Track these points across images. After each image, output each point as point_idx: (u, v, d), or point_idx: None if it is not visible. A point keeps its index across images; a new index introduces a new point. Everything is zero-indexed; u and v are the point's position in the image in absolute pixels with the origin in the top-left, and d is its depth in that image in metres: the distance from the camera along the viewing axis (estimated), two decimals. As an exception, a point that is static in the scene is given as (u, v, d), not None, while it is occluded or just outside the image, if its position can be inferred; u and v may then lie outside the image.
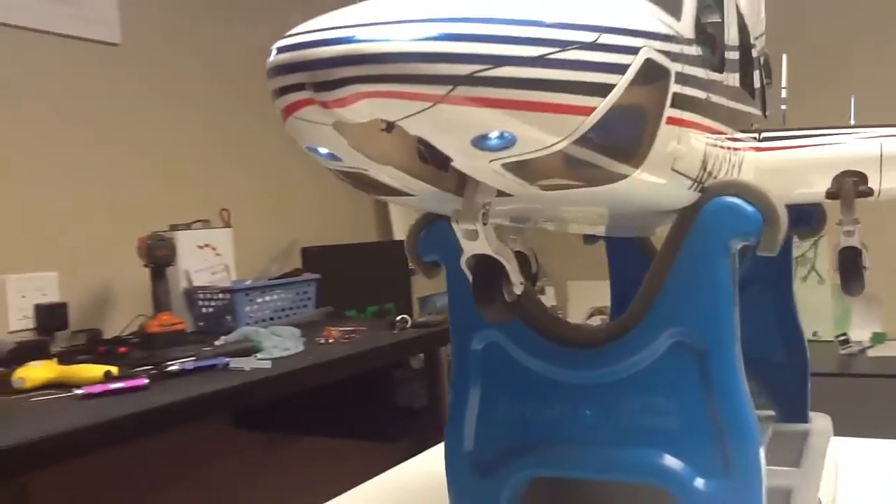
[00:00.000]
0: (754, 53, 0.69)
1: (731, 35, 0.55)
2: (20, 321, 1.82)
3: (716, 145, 0.50)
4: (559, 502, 0.60)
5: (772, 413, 0.86)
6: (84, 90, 2.02)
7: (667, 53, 0.41)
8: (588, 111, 0.36)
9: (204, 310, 2.04)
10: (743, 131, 0.63)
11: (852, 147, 0.66)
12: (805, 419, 0.84)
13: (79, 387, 1.27)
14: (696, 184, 0.48)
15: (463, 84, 0.32)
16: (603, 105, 0.36)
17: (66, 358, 1.56)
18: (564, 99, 0.35)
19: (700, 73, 0.46)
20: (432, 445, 0.88)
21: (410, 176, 0.39)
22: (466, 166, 0.37)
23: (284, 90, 0.33)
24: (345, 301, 2.49)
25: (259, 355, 1.48)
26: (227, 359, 1.43)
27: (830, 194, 0.67)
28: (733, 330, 0.50)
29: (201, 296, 2.03)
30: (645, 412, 0.52)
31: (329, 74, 0.31)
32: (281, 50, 0.32)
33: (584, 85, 0.35)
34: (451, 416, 0.57)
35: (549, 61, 0.34)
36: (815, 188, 0.68)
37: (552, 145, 0.36)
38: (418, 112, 0.32)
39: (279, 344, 1.53)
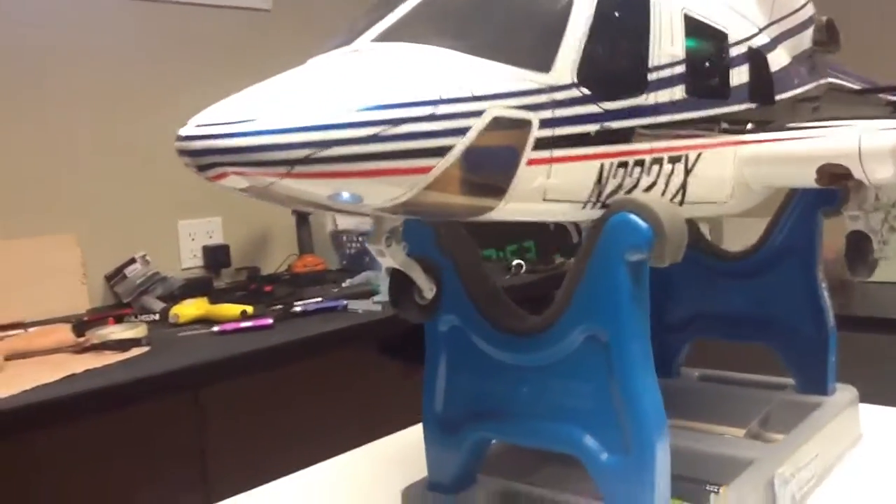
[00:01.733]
0: (739, 50, 0.71)
1: (666, 53, 0.59)
2: (191, 260, 2.13)
3: (626, 163, 0.56)
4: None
5: (786, 382, 0.89)
6: (237, 56, 2.24)
7: (526, 107, 0.48)
8: (427, 170, 0.44)
9: (347, 251, 2.25)
10: (717, 128, 0.66)
11: (832, 142, 0.68)
12: (824, 391, 0.86)
13: (219, 323, 1.51)
14: (591, 203, 0.55)
15: (299, 164, 0.42)
16: (441, 164, 0.45)
17: (221, 295, 1.82)
18: (400, 164, 0.44)
19: (587, 109, 0.52)
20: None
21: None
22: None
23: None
24: (486, 240, 2.61)
25: (375, 298, 1.65)
26: (346, 301, 1.60)
27: (821, 182, 0.70)
28: (633, 327, 0.56)
29: (344, 238, 2.24)
30: (567, 394, 0.60)
31: (200, 161, 0.42)
32: (177, 139, 0.44)
33: (421, 151, 0.44)
34: (425, 382, 0.69)
35: (382, 137, 0.43)
36: (802, 179, 0.71)
37: (395, 199, 0.45)
38: (271, 184, 0.43)
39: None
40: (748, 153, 0.71)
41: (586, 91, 0.52)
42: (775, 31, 0.81)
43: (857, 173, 0.67)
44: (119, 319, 1.60)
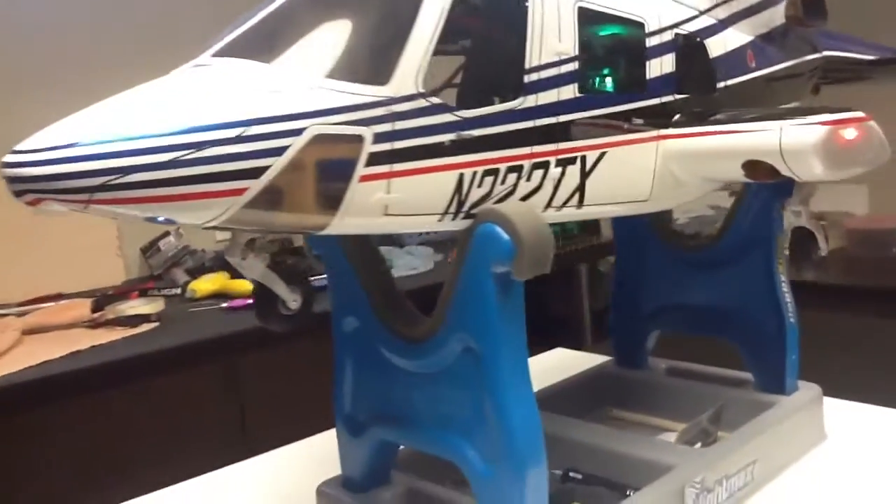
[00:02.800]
0: (662, 39, 0.67)
1: (550, 51, 0.57)
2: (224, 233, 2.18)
3: (496, 171, 0.54)
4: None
5: (750, 378, 0.85)
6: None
7: (356, 122, 0.47)
8: (241, 192, 0.44)
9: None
10: (628, 124, 0.63)
11: (753, 138, 0.64)
12: (782, 390, 0.83)
13: (232, 299, 1.55)
14: (452, 214, 0.53)
15: (98, 191, 0.42)
16: (255, 186, 0.44)
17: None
18: (208, 188, 0.43)
19: (439, 119, 0.50)
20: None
21: None
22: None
23: None
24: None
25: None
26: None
27: (751, 177, 0.66)
28: (503, 340, 0.55)
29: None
30: (451, 402, 0.59)
31: (14, 188, 0.43)
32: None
33: (230, 173, 0.44)
34: (335, 381, 0.69)
35: (183, 162, 0.43)
36: (732, 174, 0.67)
37: (210, 220, 0.45)
38: (82, 210, 0.43)
39: (409, 263, 1.70)
40: (672, 148, 0.67)
41: (437, 100, 0.50)
42: (723, 11, 0.76)
43: (784, 170, 0.63)
44: (143, 293, 1.67)
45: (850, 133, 0.62)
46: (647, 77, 0.66)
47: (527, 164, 0.56)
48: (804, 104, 0.99)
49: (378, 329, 0.64)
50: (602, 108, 0.61)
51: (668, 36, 0.68)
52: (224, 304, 1.52)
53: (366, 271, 0.65)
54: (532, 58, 0.56)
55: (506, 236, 0.52)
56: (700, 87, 0.72)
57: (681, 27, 0.69)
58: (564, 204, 0.60)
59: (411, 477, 0.70)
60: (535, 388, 0.90)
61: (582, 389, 0.93)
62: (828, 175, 0.65)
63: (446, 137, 0.51)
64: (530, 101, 0.56)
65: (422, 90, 0.49)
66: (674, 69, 0.68)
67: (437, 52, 0.50)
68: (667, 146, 0.67)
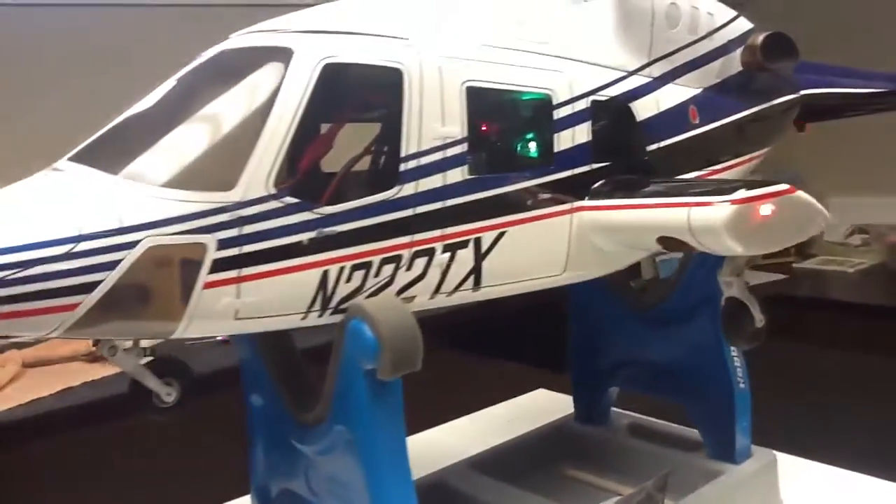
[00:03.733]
0: (575, 108, 0.64)
1: (432, 136, 0.55)
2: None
3: (368, 264, 0.53)
4: None
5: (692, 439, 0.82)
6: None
7: (198, 230, 0.46)
8: (73, 307, 0.44)
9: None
10: (533, 200, 0.61)
11: (664, 215, 0.61)
12: (732, 458, 0.79)
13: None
14: (318, 311, 0.52)
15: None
16: (88, 301, 0.44)
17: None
18: (36, 306, 0.43)
19: (295, 218, 0.49)
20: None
21: None
22: None
23: None
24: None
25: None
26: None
27: (668, 249, 0.63)
28: (377, 433, 0.54)
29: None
30: (340, 486, 0.59)
31: None
32: None
33: (59, 290, 0.44)
34: (249, 454, 0.69)
35: (11, 281, 0.43)
36: (650, 246, 0.65)
37: (47, 334, 0.45)
38: None
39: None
40: (588, 220, 0.65)
41: (293, 200, 0.49)
42: (658, 69, 0.73)
43: (697, 246, 0.60)
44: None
45: (765, 209, 0.59)
46: (556, 150, 0.63)
47: (406, 253, 0.55)
48: (776, 147, 0.95)
49: (280, 410, 0.63)
50: (498, 187, 0.59)
51: (581, 105, 0.65)
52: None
53: (271, 352, 0.64)
54: (409, 145, 0.54)
55: (370, 334, 0.51)
56: (624, 153, 0.69)
57: (600, 93, 0.67)
58: (457, 288, 0.59)
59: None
60: (503, 437, 0.90)
61: (540, 445, 0.91)
62: (747, 250, 0.62)
63: (305, 236, 0.50)
64: (408, 189, 0.54)
65: (273, 192, 0.48)
66: (589, 138, 0.65)
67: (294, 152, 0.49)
68: (582, 218, 0.65)
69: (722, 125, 0.80)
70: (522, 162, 0.62)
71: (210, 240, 0.46)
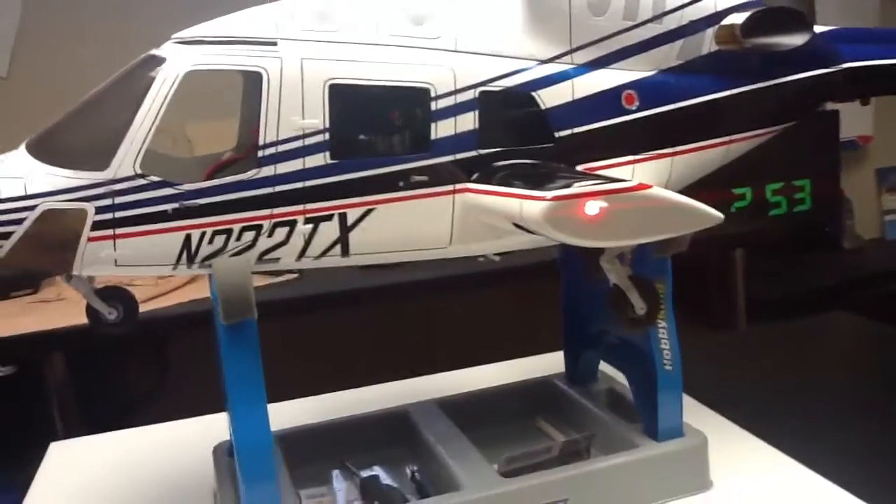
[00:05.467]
0: (459, 99, 0.70)
1: (291, 127, 0.66)
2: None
3: (229, 230, 0.67)
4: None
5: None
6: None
7: (80, 199, 0.63)
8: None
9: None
10: (406, 182, 0.70)
11: (508, 204, 0.67)
12: (655, 436, 0.82)
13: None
14: (185, 264, 0.67)
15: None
16: (7, 244, 0.64)
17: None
18: None
19: (159, 193, 0.64)
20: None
21: None
22: None
23: None
24: (739, 175, 2.41)
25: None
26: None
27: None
28: (232, 370, 0.68)
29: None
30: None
31: None
32: None
33: None
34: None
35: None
36: (510, 229, 0.70)
37: None
38: None
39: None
40: (470, 201, 0.72)
41: (157, 178, 0.64)
42: (584, 56, 0.76)
43: (544, 235, 0.65)
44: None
45: (591, 207, 0.62)
46: (434, 137, 0.70)
47: (266, 223, 0.67)
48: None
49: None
50: (364, 170, 0.69)
51: (467, 95, 0.71)
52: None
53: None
54: (267, 135, 0.66)
55: (215, 287, 0.65)
56: (523, 140, 0.73)
57: (493, 83, 0.72)
58: (324, 254, 0.70)
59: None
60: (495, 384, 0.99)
61: (521, 396, 0.99)
62: (592, 243, 0.65)
63: (168, 206, 0.65)
64: (267, 171, 0.66)
65: (139, 171, 0.64)
66: (476, 126, 0.71)
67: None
68: (466, 198, 0.72)
69: (680, 108, 0.80)
70: (392, 148, 0.71)
71: (90, 207, 0.63)
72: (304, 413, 0.95)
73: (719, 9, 0.80)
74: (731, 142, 0.85)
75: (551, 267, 1.01)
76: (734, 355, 1.36)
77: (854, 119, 2.59)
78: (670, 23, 0.78)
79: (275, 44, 0.67)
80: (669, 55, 0.79)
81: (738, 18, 0.80)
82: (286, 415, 0.86)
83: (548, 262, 1.00)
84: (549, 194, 0.62)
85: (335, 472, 0.88)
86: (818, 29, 0.90)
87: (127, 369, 1.99)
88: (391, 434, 0.92)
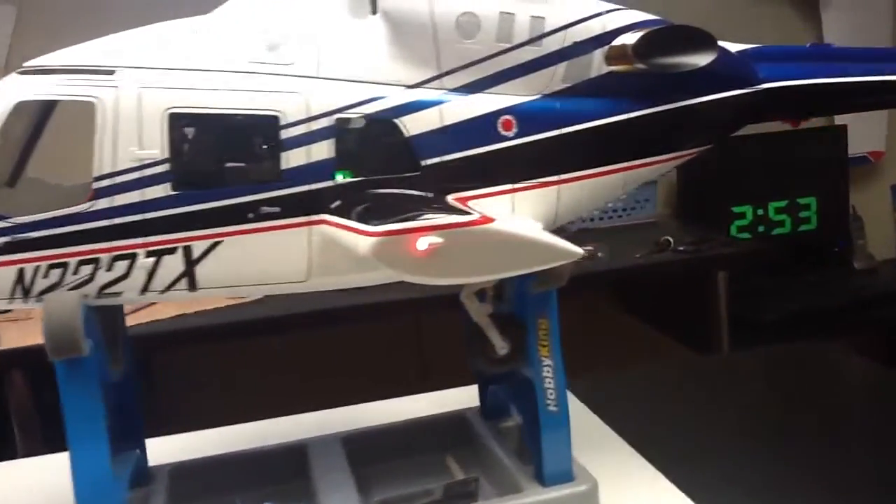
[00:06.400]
0: (312, 127, 0.67)
1: (127, 158, 0.64)
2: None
3: (65, 264, 0.65)
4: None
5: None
6: None
7: None
8: None
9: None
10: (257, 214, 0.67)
11: (349, 238, 0.64)
12: (542, 480, 0.77)
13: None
14: (20, 299, 0.65)
15: None
16: None
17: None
18: None
19: None
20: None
21: None
22: None
23: None
24: (739, 194, 2.33)
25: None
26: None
27: None
28: (66, 398, 0.66)
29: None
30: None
31: None
32: None
33: None
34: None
35: None
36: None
37: None
38: None
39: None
40: (328, 233, 0.69)
41: None
42: (453, 81, 0.72)
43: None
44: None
45: (422, 244, 0.58)
46: (285, 167, 0.67)
47: (105, 257, 0.65)
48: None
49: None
50: (209, 202, 0.66)
51: (321, 123, 0.68)
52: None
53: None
54: (103, 166, 0.64)
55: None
56: (385, 169, 0.70)
57: (351, 110, 0.69)
58: (169, 288, 0.68)
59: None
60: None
61: (433, 431, 0.95)
62: (432, 280, 0.62)
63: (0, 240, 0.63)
64: (103, 203, 0.64)
65: None
66: (333, 155, 0.68)
67: None
68: (324, 231, 0.69)
69: (565, 133, 0.75)
70: (239, 178, 0.68)
71: None
72: (227, 443, 0.93)
73: (609, 29, 0.76)
74: (629, 168, 0.80)
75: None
76: (687, 381, 1.30)
77: (866, 134, 2.50)
78: (551, 45, 0.74)
79: (112, 72, 0.65)
80: (553, 78, 0.75)
81: (630, 38, 0.76)
82: (208, 444, 0.85)
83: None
84: (379, 229, 0.59)
85: (222, 511, 0.85)
86: (734, 47, 0.86)
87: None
88: (288, 470, 0.89)
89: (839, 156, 2.39)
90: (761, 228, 2.34)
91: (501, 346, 0.69)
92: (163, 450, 0.90)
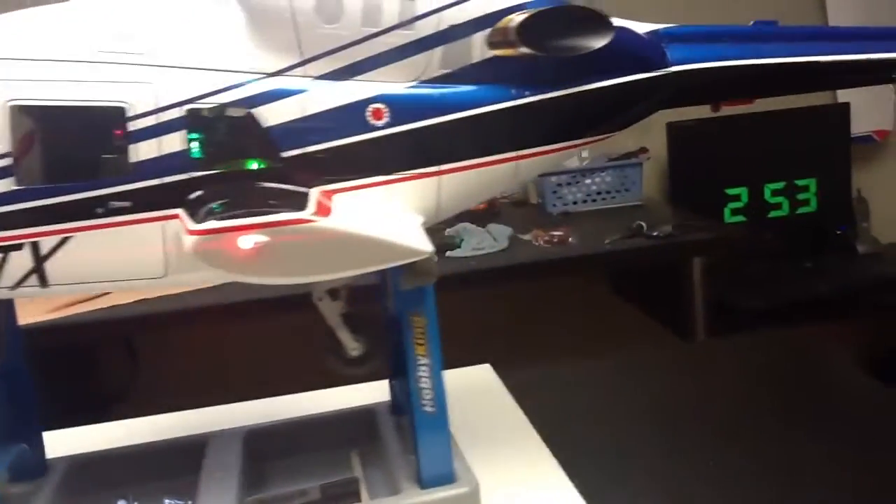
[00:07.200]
0: (162, 118, 0.65)
1: None
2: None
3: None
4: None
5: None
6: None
7: None
8: None
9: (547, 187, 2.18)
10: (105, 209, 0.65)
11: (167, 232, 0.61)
12: (419, 481, 0.75)
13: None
14: None
15: None
16: None
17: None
18: None
19: None
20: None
21: None
22: None
23: None
24: (734, 173, 2.25)
25: (451, 252, 1.67)
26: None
27: None
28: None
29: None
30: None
31: None
32: None
33: None
34: None
35: None
36: None
37: None
38: None
39: (480, 243, 1.69)
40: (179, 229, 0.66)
41: None
42: (317, 68, 0.69)
43: None
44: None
45: (245, 242, 0.56)
46: (134, 160, 0.65)
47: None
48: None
49: None
50: (56, 196, 0.64)
51: (171, 114, 0.65)
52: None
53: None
54: None
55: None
56: (242, 161, 0.67)
57: (203, 101, 0.66)
58: (19, 284, 0.66)
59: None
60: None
61: (341, 425, 0.93)
62: (254, 279, 0.59)
63: None
64: None
65: None
66: (183, 147, 0.66)
67: None
68: (177, 226, 0.66)
69: (444, 122, 0.72)
70: (87, 172, 0.65)
71: None
72: (145, 433, 0.92)
73: (491, 11, 0.72)
74: (519, 157, 0.76)
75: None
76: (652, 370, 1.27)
77: (871, 112, 2.40)
78: (425, 28, 0.70)
79: None
80: (430, 64, 0.71)
81: (514, 21, 0.71)
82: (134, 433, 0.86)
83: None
84: (199, 227, 0.57)
85: (115, 507, 0.84)
86: (643, 27, 0.81)
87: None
88: (184, 465, 0.87)
89: (841, 135, 2.29)
90: (757, 211, 2.26)
91: (353, 347, 0.66)
92: (92, 439, 0.89)
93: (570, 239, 1.70)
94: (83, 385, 1.99)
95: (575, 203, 2.09)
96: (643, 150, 2.20)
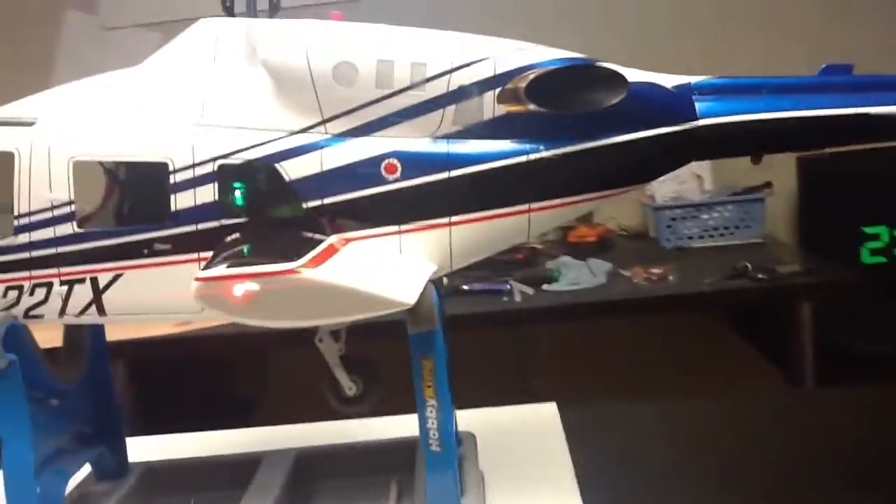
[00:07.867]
0: (197, 172, 0.74)
1: (42, 199, 0.74)
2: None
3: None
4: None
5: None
6: None
7: None
8: None
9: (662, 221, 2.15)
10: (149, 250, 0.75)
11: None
12: None
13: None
14: None
15: None
16: None
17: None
18: None
19: None
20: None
21: None
22: None
23: None
24: (868, 215, 2.09)
25: (547, 286, 1.69)
26: (509, 286, 1.70)
27: None
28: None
29: (653, 207, 2.14)
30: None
31: None
32: None
33: None
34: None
35: None
36: None
37: None
38: None
39: (577, 278, 1.69)
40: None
41: None
42: (336, 127, 0.75)
43: None
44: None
45: (238, 289, 0.63)
46: (174, 209, 0.74)
47: (27, 284, 0.76)
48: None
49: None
50: (107, 239, 0.75)
51: (205, 169, 0.74)
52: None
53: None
54: (21, 206, 0.74)
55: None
56: (267, 211, 0.75)
57: (233, 157, 0.74)
58: (82, 312, 0.77)
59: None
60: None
61: (386, 454, 0.98)
62: (252, 322, 0.66)
63: None
64: (22, 238, 0.75)
65: None
66: (215, 198, 0.74)
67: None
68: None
69: (454, 176, 0.76)
70: (136, 218, 0.76)
71: None
72: (214, 447, 1.02)
73: (502, 71, 0.75)
74: (531, 210, 0.78)
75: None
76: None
77: None
78: (435, 89, 0.75)
79: (32, 124, 0.75)
80: (443, 121, 0.76)
81: (523, 80, 0.75)
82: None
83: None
84: (202, 274, 0.64)
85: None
86: (670, 80, 0.81)
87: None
88: (243, 478, 0.96)
89: None
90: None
91: (349, 387, 0.71)
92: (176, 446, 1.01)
93: (669, 277, 1.66)
94: (215, 391, 2.18)
95: (690, 238, 2.03)
96: (767, 184, 2.10)
